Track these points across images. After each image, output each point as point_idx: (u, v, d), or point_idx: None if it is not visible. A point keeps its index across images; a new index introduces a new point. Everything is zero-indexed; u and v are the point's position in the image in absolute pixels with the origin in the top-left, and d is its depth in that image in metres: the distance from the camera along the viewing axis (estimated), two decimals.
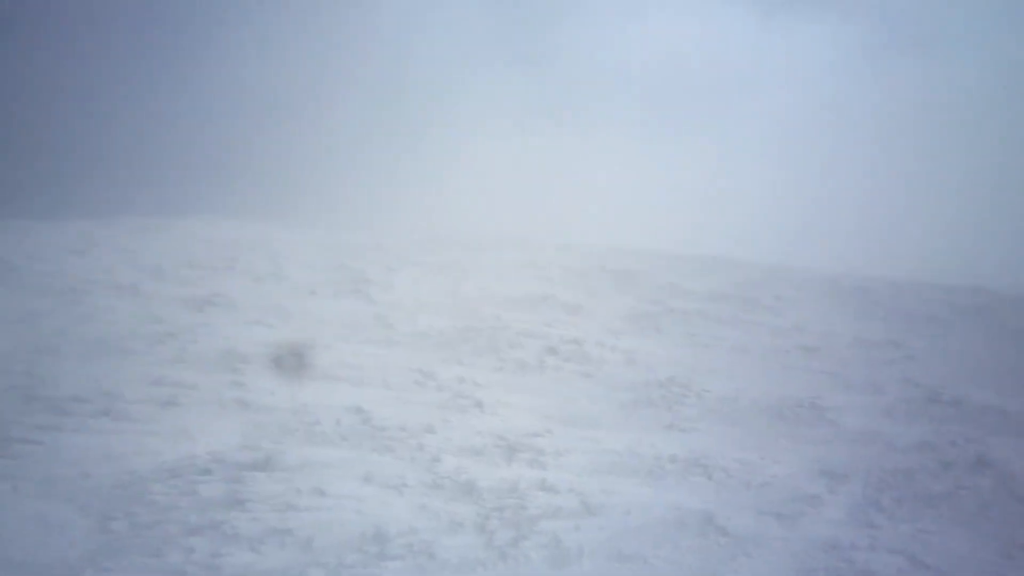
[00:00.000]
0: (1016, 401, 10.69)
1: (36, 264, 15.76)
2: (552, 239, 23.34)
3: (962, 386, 11.43)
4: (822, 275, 20.65)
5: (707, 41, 47.01)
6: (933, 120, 37.84)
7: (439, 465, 7.56)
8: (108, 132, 32.92)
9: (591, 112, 40.60)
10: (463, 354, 12.00)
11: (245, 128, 34.46)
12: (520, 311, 14.89)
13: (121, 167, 30.05)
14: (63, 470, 7.06)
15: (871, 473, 8.14)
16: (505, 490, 7.09)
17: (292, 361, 10.53)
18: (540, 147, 36.53)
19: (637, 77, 42.55)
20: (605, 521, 6.66)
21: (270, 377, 10.01)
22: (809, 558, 6.34)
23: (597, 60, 44.79)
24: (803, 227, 28.91)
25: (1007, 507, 7.48)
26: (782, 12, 51.91)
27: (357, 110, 36.79)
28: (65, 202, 22.98)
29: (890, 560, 6.34)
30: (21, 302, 12.93)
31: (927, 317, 17.08)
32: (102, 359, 10.25)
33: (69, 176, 27.71)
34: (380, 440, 8.16)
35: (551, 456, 8.11)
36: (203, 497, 6.63)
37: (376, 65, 39.50)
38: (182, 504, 6.51)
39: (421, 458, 7.75)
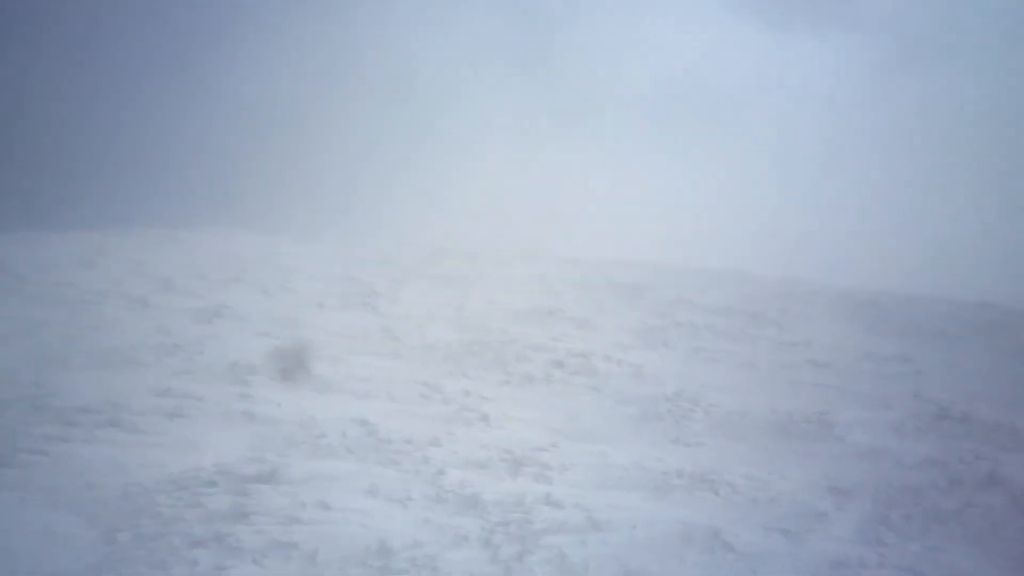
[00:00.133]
0: None
1: (45, 275, 15.87)
2: (559, 252, 23.36)
3: (972, 402, 11.32)
4: (830, 289, 20.53)
5: (715, 54, 47.30)
6: (940, 134, 37.84)
7: (444, 478, 7.54)
8: (118, 144, 33.24)
9: (599, 125, 40.74)
10: (469, 367, 11.99)
11: (254, 141, 34.76)
12: (527, 324, 14.88)
13: (130, 179, 30.33)
14: (69, 481, 7.07)
15: (879, 489, 8.06)
16: (510, 504, 7.06)
17: (299, 373, 10.55)
18: (548, 160, 36.71)
19: (645, 90, 42.68)
20: (611, 536, 6.62)
21: (277, 389, 10.02)
22: (817, 575, 6.29)
23: (605, 75, 45.03)
24: (811, 240, 28.84)
25: (1017, 525, 7.39)
26: (789, 26, 52.16)
27: (365, 124, 37.08)
28: (75, 214, 23.22)
29: None
30: (30, 313, 13.00)
31: (936, 332, 16.96)
32: (110, 370, 10.29)
33: (79, 188, 28.00)
34: (385, 453, 8.15)
35: (557, 470, 8.08)
36: (208, 509, 6.63)
37: (384, 79, 39.79)
38: (187, 516, 6.51)
39: (426, 471, 7.72)
